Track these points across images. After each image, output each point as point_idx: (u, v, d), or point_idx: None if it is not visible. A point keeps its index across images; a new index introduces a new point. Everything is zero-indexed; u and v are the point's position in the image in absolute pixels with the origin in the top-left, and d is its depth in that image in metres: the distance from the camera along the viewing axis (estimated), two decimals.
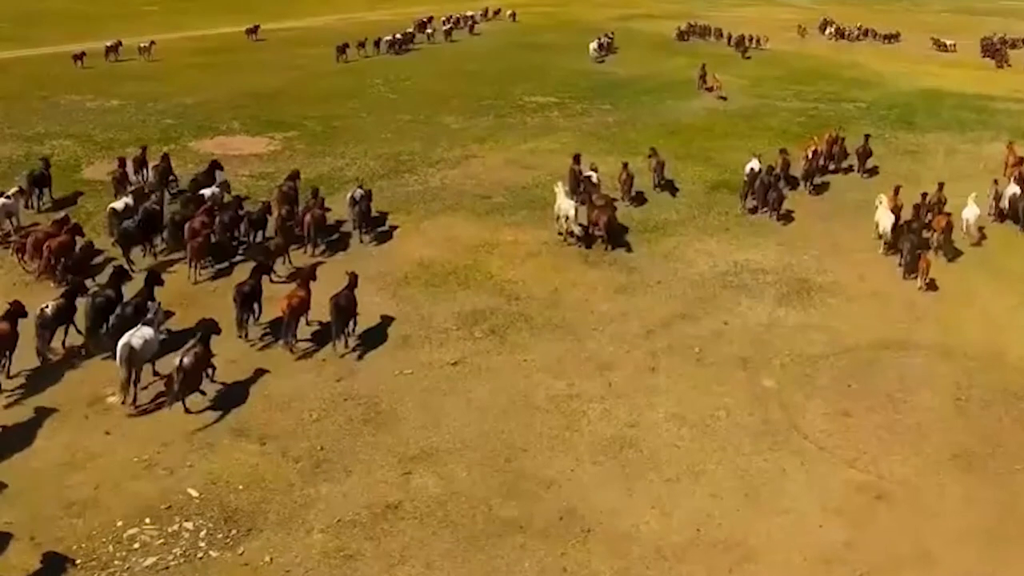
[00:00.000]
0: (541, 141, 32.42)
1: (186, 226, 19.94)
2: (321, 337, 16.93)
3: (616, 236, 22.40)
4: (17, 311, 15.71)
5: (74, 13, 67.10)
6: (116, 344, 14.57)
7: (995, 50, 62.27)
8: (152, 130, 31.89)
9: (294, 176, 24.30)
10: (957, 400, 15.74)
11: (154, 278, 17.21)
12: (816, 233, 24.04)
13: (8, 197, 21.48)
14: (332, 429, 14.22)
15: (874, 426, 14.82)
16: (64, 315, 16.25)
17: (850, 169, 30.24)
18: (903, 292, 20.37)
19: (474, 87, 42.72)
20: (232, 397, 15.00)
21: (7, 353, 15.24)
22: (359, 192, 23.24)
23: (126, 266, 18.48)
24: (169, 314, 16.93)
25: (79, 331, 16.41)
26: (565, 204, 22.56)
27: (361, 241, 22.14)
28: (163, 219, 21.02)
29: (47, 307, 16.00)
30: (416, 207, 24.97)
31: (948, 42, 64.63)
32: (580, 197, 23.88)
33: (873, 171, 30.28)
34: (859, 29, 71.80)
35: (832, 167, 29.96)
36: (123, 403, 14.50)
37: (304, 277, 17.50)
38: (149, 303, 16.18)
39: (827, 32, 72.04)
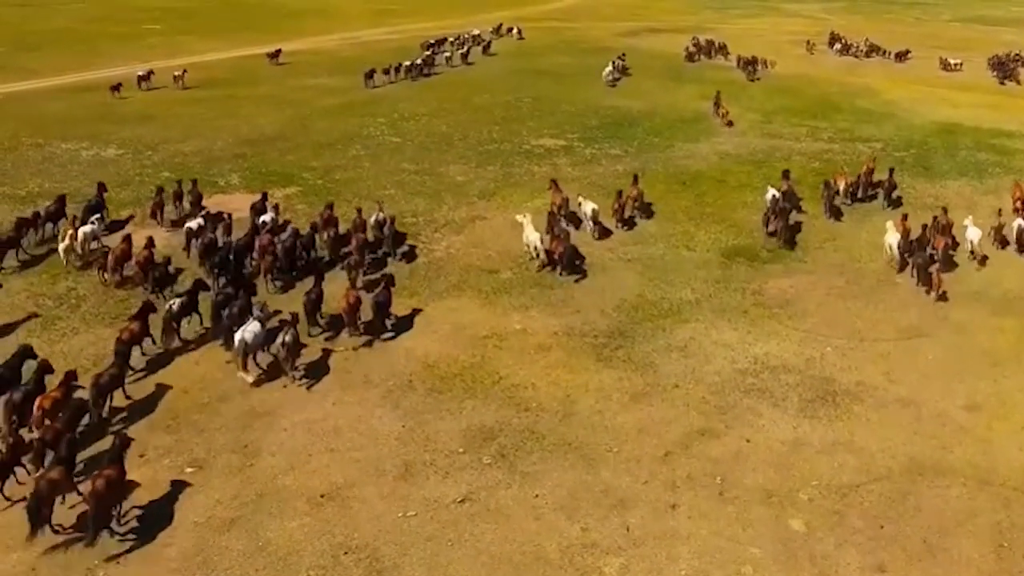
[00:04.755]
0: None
1: (256, 244, 23.96)
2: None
3: (571, 265, 24.89)
4: (149, 310, 19.55)
5: (74, 34, 66.35)
6: (230, 334, 19.22)
7: (1004, 67, 61.21)
8: (148, 187, 30.72)
9: (331, 205, 26.88)
10: (1000, 547, 14.72)
11: (250, 285, 21.75)
12: (837, 316, 23.01)
13: (93, 223, 25.25)
14: None
15: None
16: (187, 310, 20.29)
17: (874, 197, 32.35)
18: (932, 396, 19.31)
19: (480, 127, 41.71)
20: (225, 550, 14.09)
21: (135, 346, 18.82)
22: (381, 216, 25.92)
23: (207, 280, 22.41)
24: (275, 312, 21.06)
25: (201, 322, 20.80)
26: (532, 236, 25.34)
27: (392, 257, 25.43)
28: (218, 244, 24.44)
29: (174, 304, 19.97)
30: (421, 286, 24.02)
31: (954, 61, 63.49)
32: (547, 227, 26.14)
33: (897, 202, 31.87)
34: (867, 45, 70.53)
35: (860, 196, 32.18)
36: (241, 372, 18.71)
37: (353, 283, 22.56)
38: (255, 302, 20.39)
39: (835, 48, 70.91)
